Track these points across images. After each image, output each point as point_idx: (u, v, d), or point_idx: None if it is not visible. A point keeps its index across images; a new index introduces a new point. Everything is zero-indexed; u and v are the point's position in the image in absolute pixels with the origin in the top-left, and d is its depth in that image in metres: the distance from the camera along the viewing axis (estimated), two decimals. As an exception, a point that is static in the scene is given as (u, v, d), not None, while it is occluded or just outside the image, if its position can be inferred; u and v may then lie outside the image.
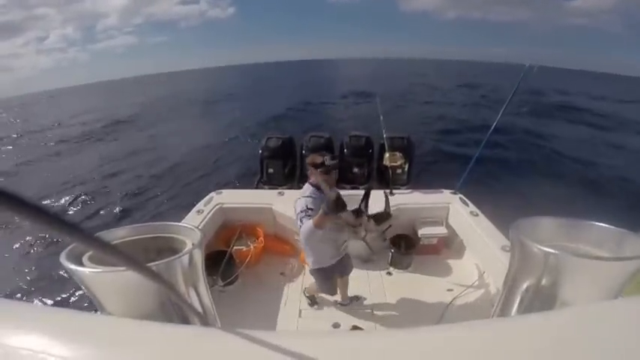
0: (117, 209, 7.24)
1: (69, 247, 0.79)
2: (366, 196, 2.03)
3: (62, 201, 7.87)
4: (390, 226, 2.27)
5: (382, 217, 2.23)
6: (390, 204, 2.31)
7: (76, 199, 7.92)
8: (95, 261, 0.78)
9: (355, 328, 2.34)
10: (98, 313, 0.80)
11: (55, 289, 4.70)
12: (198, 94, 30.36)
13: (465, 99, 21.09)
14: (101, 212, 7.16)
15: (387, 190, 3.10)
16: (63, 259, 0.75)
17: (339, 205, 1.60)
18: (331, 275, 2.28)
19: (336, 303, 2.62)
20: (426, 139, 10.25)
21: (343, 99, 21.36)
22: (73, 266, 0.72)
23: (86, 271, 0.72)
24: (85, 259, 0.78)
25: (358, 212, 1.95)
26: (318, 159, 1.89)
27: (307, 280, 2.82)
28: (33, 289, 4.83)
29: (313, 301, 2.65)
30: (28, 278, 5.07)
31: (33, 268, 5.30)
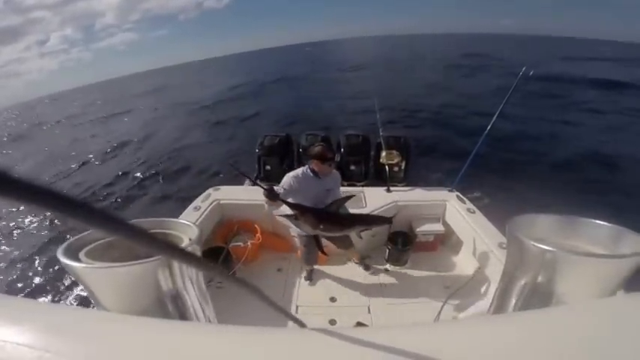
0: (112, 205, 7.20)
1: (66, 242, 0.78)
2: (342, 200, 2.29)
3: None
4: (366, 229, 2.42)
5: (371, 219, 2.51)
6: (385, 204, 2.39)
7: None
8: (92, 256, 0.77)
9: (359, 324, 2.35)
10: (95, 308, 0.80)
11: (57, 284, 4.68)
12: (208, 88, 30.15)
13: (466, 73, 21.34)
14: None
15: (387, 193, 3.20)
16: (60, 255, 0.74)
17: (269, 194, 2.01)
18: (311, 245, 2.52)
19: (332, 300, 2.66)
20: (423, 126, 10.22)
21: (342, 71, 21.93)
22: (69, 262, 0.71)
23: (80, 266, 0.71)
24: (81, 254, 0.78)
25: (321, 210, 2.18)
26: (330, 154, 2.26)
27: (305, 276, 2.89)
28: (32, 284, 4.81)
29: (309, 276, 2.88)
30: (29, 273, 5.04)
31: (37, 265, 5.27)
